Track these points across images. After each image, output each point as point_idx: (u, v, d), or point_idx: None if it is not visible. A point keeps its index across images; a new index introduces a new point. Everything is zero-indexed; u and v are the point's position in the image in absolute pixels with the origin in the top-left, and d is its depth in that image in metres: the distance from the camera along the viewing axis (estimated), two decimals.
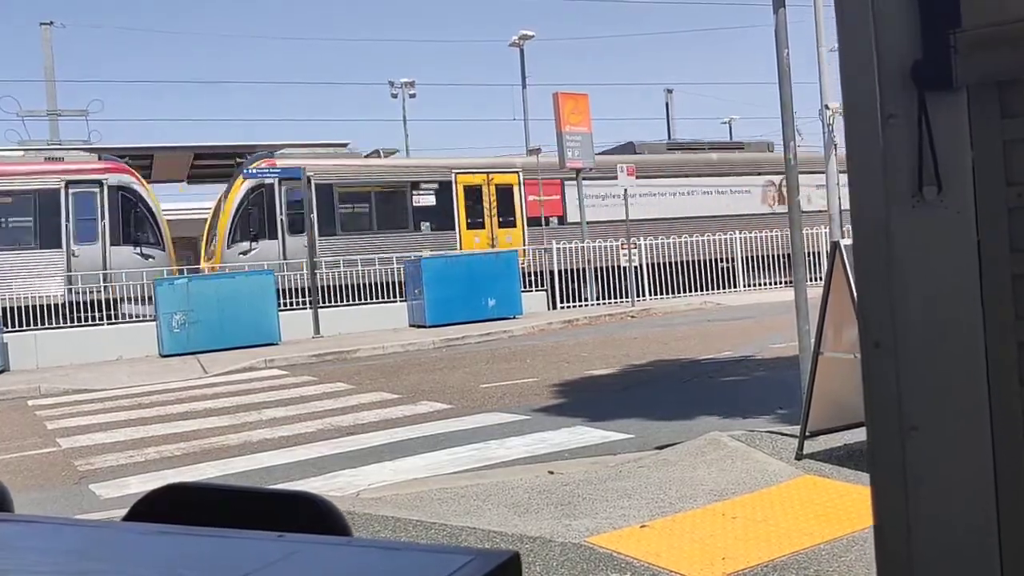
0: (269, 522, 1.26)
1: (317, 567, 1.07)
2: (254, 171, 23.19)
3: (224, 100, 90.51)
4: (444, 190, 25.48)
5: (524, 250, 25.07)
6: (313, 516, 1.33)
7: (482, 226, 25.94)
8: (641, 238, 25.10)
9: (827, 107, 12.57)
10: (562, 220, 26.59)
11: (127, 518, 1.43)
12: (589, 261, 25.28)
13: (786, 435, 7.05)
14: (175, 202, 33.71)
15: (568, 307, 24.65)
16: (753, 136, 68.05)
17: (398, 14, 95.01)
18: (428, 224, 25.24)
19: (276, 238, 23.34)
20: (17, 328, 20.19)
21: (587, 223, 25.42)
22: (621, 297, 25.02)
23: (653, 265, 25.56)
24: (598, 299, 25.44)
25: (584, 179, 25.81)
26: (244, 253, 22.98)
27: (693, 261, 26.25)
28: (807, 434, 6.51)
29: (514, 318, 22.27)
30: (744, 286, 27.18)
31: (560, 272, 24.92)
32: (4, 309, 20.11)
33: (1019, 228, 1.65)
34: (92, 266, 21.69)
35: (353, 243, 24.07)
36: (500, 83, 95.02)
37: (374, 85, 67.45)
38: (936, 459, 1.69)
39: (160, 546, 1.18)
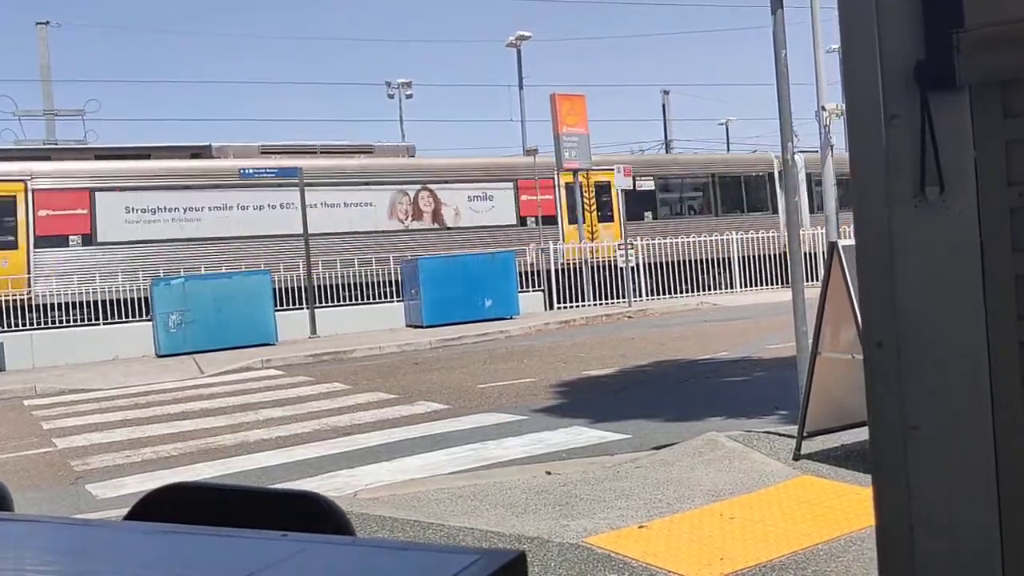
0: (271, 521, 1.25)
1: (322, 567, 1.06)
2: None
3: (220, 100, 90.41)
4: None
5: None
6: (315, 515, 1.32)
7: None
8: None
9: (823, 108, 12.58)
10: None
11: (128, 518, 1.43)
12: (586, 261, 25.34)
13: (783, 435, 7.05)
14: None
15: (565, 307, 24.65)
16: (748, 138, 68.06)
17: (395, 13, 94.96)
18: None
19: None
20: (13, 328, 20.16)
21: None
22: (617, 298, 25.02)
23: (649, 265, 25.62)
24: (595, 299, 25.44)
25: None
26: None
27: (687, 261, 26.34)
28: (805, 434, 6.51)
29: (511, 318, 22.26)
30: (741, 287, 27.20)
31: (558, 271, 24.99)
32: None
33: (1021, 228, 1.64)
34: None
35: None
36: (497, 84, 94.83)
37: (371, 85, 67.34)
38: (938, 459, 1.69)
39: (163, 546, 1.17)
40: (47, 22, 32.39)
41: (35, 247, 21.37)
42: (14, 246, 21.20)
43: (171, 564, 1.11)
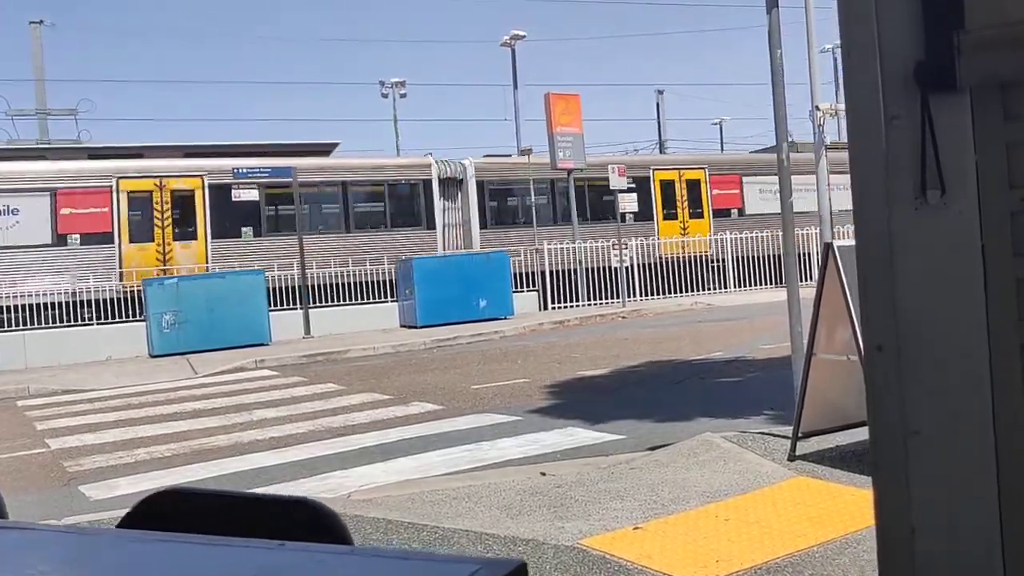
0: (268, 528, 1.24)
1: None
2: None
3: (215, 99, 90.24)
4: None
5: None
6: (312, 522, 1.31)
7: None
8: None
9: (817, 108, 12.58)
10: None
11: (123, 523, 1.41)
12: (580, 261, 25.35)
13: (778, 436, 7.05)
14: None
15: (559, 308, 24.65)
16: (745, 137, 68.14)
17: (389, 12, 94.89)
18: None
19: None
20: (5, 328, 20.10)
21: None
22: (612, 297, 25.04)
23: (643, 266, 25.67)
24: (589, 300, 25.45)
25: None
26: None
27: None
28: (800, 435, 6.51)
29: (505, 319, 22.26)
30: (735, 287, 27.23)
31: (552, 272, 24.99)
32: None
33: (1022, 231, 1.64)
34: None
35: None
36: (492, 83, 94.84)
37: (364, 84, 67.29)
38: (938, 460, 1.68)
39: (160, 555, 1.16)
40: (41, 21, 32.30)
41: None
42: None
43: (167, 574, 1.09)
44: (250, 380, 15.10)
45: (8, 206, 21.53)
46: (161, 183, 23.01)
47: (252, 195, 23.91)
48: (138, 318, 20.69)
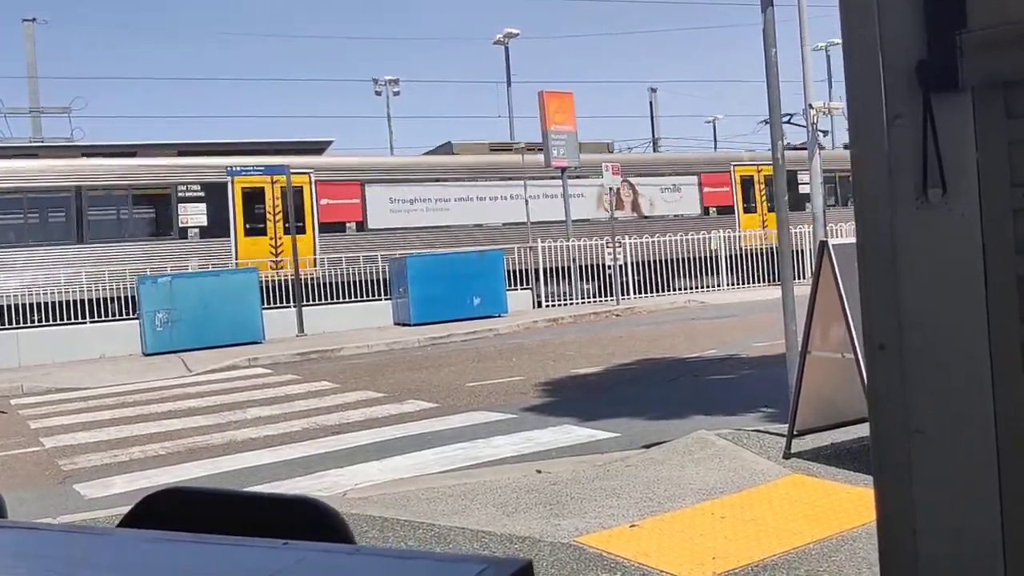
0: (269, 527, 1.23)
1: None
2: None
3: (209, 97, 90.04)
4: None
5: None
6: (314, 521, 1.30)
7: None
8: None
9: (811, 106, 12.60)
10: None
11: (124, 522, 1.40)
12: (574, 259, 25.33)
13: (773, 434, 7.06)
14: None
15: (553, 305, 24.65)
16: (737, 136, 68.25)
17: (382, 10, 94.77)
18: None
19: None
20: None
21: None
22: (606, 295, 25.03)
23: (637, 264, 25.63)
24: (583, 298, 25.45)
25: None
26: None
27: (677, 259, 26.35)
28: (795, 433, 6.52)
29: (499, 316, 22.25)
30: (728, 284, 27.25)
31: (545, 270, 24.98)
32: None
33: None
34: None
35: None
36: (485, 80, 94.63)
37: (358, 82, 67.24)
38: (940, 461, 1.68)
39: (162, 554, 1.15)
40: (33, 19, 32.19)
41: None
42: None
43: (171, 574, 1.09)
44: (244, 378, 15.08)
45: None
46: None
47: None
48: (131, 316, 20.62)
